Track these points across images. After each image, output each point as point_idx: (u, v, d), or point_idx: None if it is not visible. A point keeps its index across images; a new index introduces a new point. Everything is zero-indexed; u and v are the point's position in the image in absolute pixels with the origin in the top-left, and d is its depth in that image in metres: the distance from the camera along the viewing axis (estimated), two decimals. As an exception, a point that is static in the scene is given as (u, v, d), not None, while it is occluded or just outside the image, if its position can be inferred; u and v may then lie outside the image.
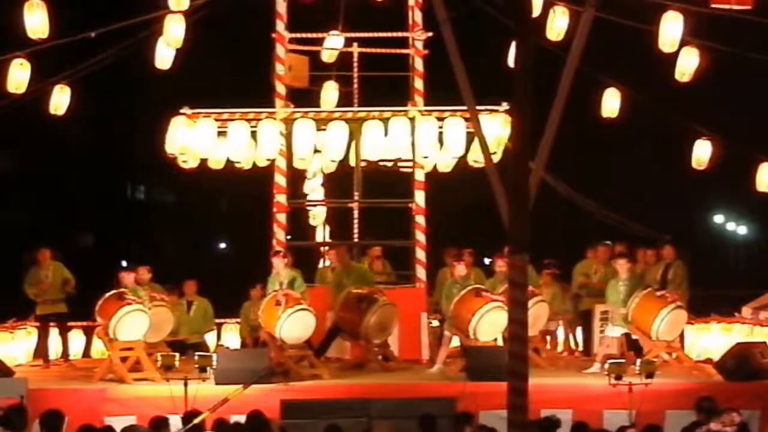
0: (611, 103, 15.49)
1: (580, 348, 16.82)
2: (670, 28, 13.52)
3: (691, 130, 15.45)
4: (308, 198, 17.98)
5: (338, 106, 17.11)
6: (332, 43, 17.20)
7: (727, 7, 11.21)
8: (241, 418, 10.72)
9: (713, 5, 11.20)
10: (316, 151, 16.08)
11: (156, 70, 15.10)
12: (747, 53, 13.79)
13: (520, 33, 9.07)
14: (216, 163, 16.11)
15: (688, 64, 13.97)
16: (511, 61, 13.58)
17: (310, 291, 15.35)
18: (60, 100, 14.92)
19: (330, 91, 17.48)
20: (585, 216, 16.73)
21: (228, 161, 16.12)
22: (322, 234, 18.30)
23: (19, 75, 14.06)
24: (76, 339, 17.04)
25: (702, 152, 15.44)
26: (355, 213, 17.42)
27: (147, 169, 37.19)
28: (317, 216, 18.21)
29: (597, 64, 13.73)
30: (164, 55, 14.95)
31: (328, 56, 17.34)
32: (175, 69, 15.16)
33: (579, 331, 17.00)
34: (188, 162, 15.91)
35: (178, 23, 14.17)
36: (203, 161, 16.08)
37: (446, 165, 16.23)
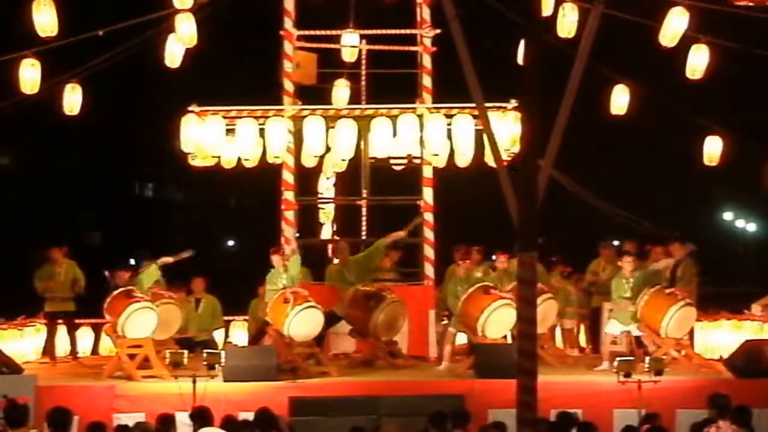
0: (620, 100, 15.46)
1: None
2: (674, 23, 13.51)
3: (700, 126, 15.40)
4: (322, 196, 17.95)
5: (347, 103, 17.09)
6: (348, 41, 17.17)
7: (750, 4, 11.18)
8: (250, 416, 10.73)
9: (736, 3, 11.17)
10: (328, 149, 16.05)
11: (165, 68, 15.09)
12: (756, 50, 13.75)
13: (530, 30, 9.06)
14: (226, 162, 16.09)
15: (698, 62, 13.93)
16: (520, 58, 13.54)
17: (319, 288, 15.36)
18: (72, 99, 14.93)
19: (341, 89, 17.46)
20: (594, 213, 16.69)
21: (238, 159, 16.10)
22: (329, 231, 18.28)
23: (31, 75, 14.06)
24: (85, 336, 17.05)
25: (713, 148, 15.41)
26: (363, 210, 17.40)
27: (155, 167, 37.24)
28: (328, 213, 18.18)
29: (606, 61, 13.70)
30: (174, 53, 14.94)
31: (349, 54, 17.31)
32: (184, 67, 15.16)
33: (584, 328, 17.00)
34: (199, 160, 15.89)
35: (188, 21, 14.15)
36: (214, 159, 16.04)
37: (463, 161, 16.15)
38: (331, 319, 14.98)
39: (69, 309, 16.19)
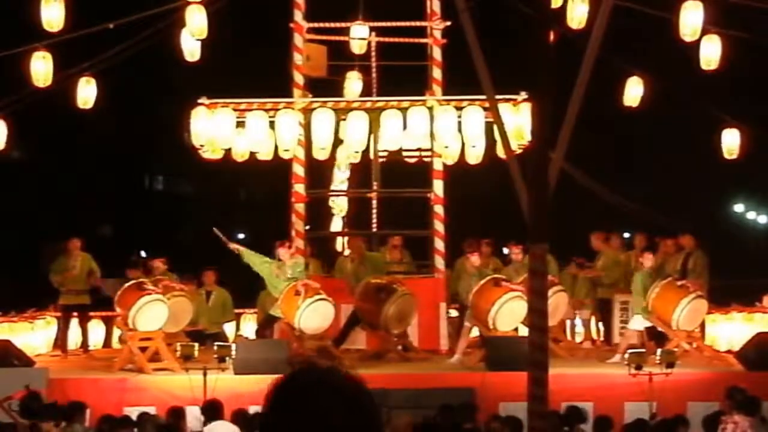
0: (634, 91, 15.39)
1: (601, 337, 16.79)
2: (690, 17, 13.45)
3: (713, 118, 15.33)
4: (335, 189, 17.92)
5: (359, 96, 17.07)
6: (357, 33, 17.14)
7: None
8: (260, 409, 10.71)
9: None
10: (339, 142, 16.03)
11: (175, 60, 15.08)
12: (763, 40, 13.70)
13: (540, 22, 9.03)
14: (236, 154, 16.09)
15: (711, 53, 13.88)
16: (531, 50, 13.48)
17: (330, 281, 15.35)
18: (86, 93, 14.96)
19: (354, 82, 17.42)
20: (604, 206, 16.65)
21: (249, 152, 16.10)
22: (340, 224, 18.27)
23: (43, 68, 14.07)
24: (96, 329, 17.08)
25: (731, 141, 15.27)
26: (374, 203, 17.39)
27: (165, 160, 37.28)
28: (341, 207, 18.16)
29: (620, 53, 13.64)
30: (192, 48, 14.92)
31: (358, 47, 17.27)
32: (195, 59, 15.15)
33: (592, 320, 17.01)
34: (211, 153, 15.89)
35: (199, 13, 14.13)
36: (224, 152, 16.05)
37: (473, 154, 16.16)
38: (355, 319, 15.06)
39: (83, 302, 16.23)
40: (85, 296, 16.23)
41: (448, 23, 16.00)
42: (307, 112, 15.69)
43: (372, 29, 17.26)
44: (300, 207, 16.12)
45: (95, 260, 16.28)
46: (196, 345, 13.19)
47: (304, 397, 2.97)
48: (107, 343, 17.26)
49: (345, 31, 17.30)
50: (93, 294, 16.37)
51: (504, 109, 14.66)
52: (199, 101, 15.54)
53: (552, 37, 9.13)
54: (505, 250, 16.98)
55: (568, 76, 9.70)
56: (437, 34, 16.32)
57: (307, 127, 15.71)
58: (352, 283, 15.34)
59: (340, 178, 17.77)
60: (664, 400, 12.05)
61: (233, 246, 14.50)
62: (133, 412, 11.13)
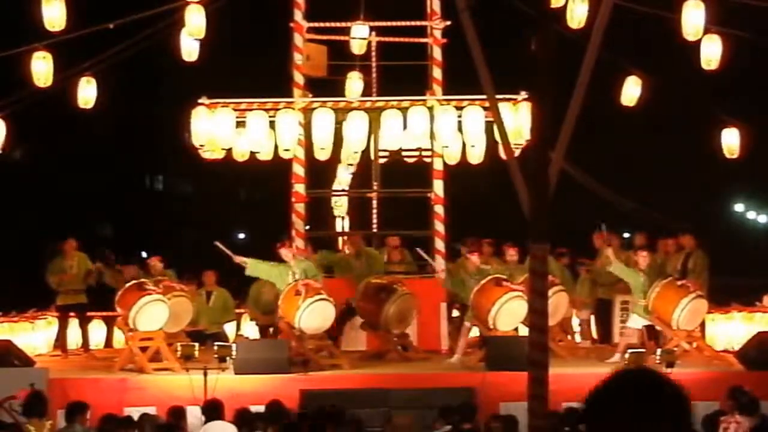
0: (632, 91, 15.39)
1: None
2: (692, 17, 13.44)
3: (713, 118, 15.32)
4: (338, 188, 17.92)
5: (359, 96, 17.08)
6: (357, 33, 17.14)
7: None
8: (261, 408, 10.72)
9: None
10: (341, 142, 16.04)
11: (175, 61, 15.09)
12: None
13: (540, 21, 9.03)
14: (237, 154, 16.09)
15: (712, 53, 13.88)
16: (532, 49, 13.48)
17: (330, 281, 15.36)
18: (87, 93, 14.97)
19: (355, 81, 17.42)
20: (604, 205, 16.64)
21: (250, 152, 16.10)
22: (341, 225, 18.27)
23: (43, 68, 14.07)
24: (97, 329, 17.08)
25: (732, 141, 15.26)
26: (374, 203, 17.39)
27: (165, 160, 37.29)
28: (342, 207, 18.15)
29: (619, 52, 13.63)
30: (190, 48, 14.93)
31: (359, 47, 17.27)
32: (195, 59, 15.15)
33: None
34: (211, 153, 15.89)
35: (198, 13, 14.13)
36: (224, 152, 16.04)
37: (473, 153, 16.18)
38: (347, 313, 15.06)
39: (81, 301, 16.24)
40: (83, 296, 16.24)
41: (448, 23, 16.01)
42: (307, 112, 15.70)
43: (372, 29, 17.26)
44: (300, 207, 16.13)
45: (93, 260, 16.27)
46: (197, 345, 13.19)
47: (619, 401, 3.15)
48: (109, 343, 17.25)
49: (345, 31, 17.31)
50: (91, 294, 16.36)
51: (504, 109, 14.67)
52: (199, 101, 15.55)
53: (551, 36, 9.13)
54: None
55: (568, 76, 9.69)
56: (437, 33, 16.33)
57: (307, 127, 15.72)
58: (351, 277, 15.37)
59: (346, 179, 17.77)
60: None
61: (238, 259, 14.44)
62: (134, 412, 11.13)
